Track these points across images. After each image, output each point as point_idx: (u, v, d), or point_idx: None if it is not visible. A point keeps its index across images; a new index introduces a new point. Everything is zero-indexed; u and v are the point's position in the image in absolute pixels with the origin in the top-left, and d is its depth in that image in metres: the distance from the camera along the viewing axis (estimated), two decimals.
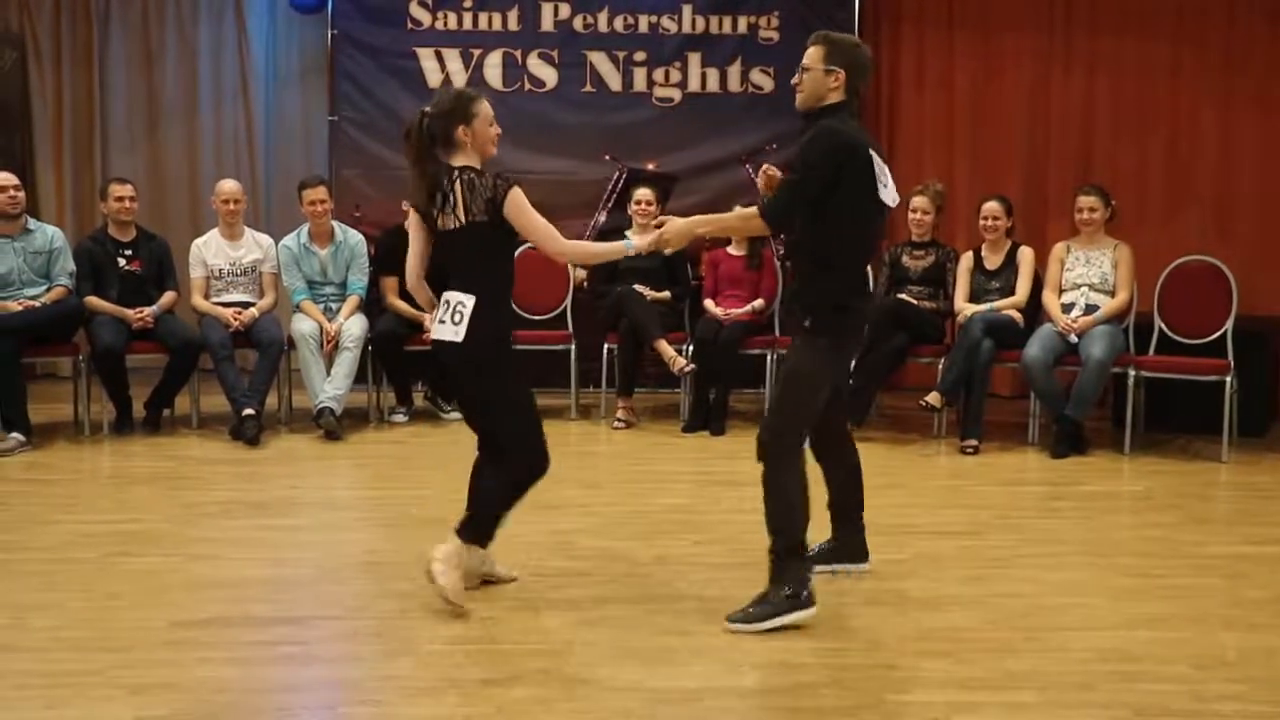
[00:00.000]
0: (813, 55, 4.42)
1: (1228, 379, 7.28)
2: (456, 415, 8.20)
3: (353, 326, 7.82)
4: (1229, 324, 7.54)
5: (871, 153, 4.32)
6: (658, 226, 4.53)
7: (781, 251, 8.64)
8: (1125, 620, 4.39)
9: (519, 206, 4.34)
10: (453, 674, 3.83)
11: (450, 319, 4.36)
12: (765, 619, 4.22)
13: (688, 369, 7.83)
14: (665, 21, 9.26)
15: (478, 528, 4.47)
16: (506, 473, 4.47)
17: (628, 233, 4.53)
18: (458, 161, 4.39)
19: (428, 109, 4.43)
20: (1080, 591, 4.74)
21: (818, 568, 4.53)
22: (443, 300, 4.42)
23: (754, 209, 4.43)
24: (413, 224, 4.53)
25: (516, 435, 4.44)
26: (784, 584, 4.26)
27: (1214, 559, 5.25)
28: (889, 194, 4.41)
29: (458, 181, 4.32)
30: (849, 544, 4.90)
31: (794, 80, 4.48)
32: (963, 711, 3.60)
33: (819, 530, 4.63)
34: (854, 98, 4.44)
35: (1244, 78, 8.87)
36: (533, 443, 4.45)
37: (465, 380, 4.47)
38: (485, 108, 4.47)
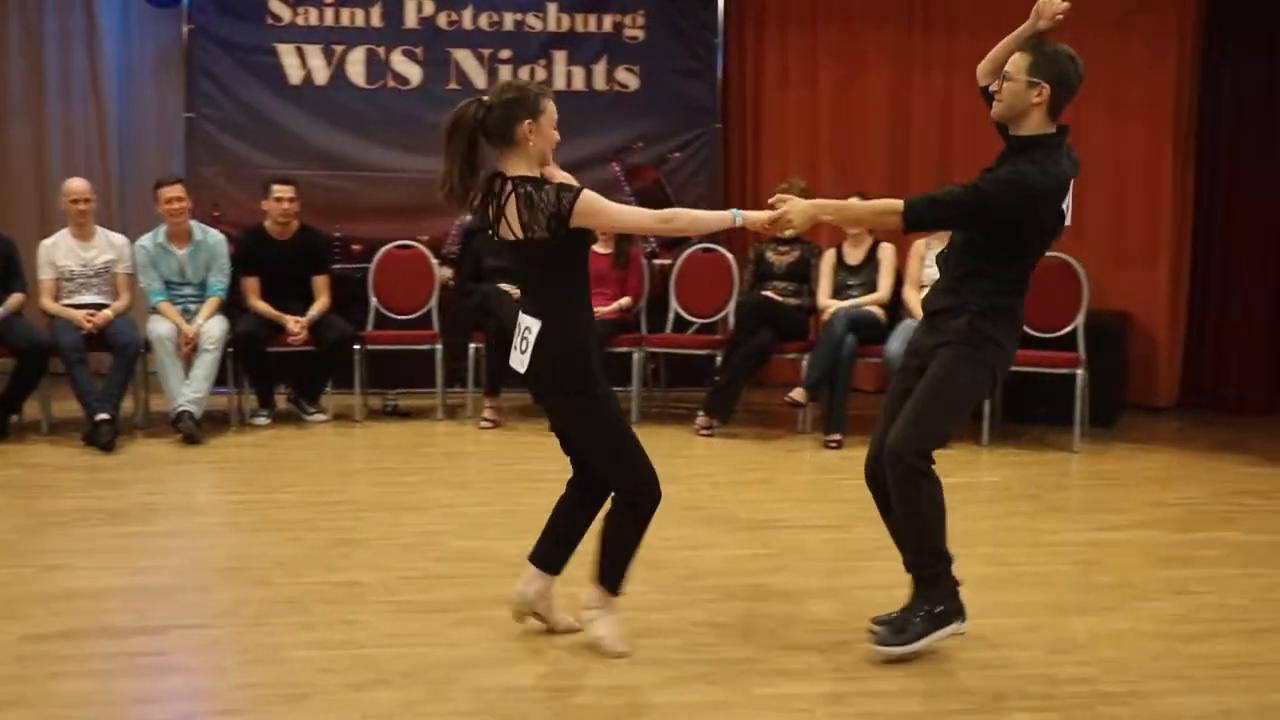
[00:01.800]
0: (1016, 63, 4.00)
1: (1079, 372, 7.50)
2: (321, 417, 8.11)
3: (212, 328, 7.67)
4: (1080, 319, 7.76)
5: (1065, 201, 3.99)
6: (773, 206, 4.06)
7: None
8: (984, 608, 4.48)
9: (592, 211, 3.78)
10: (316, 680, 3.77)
11: (519, 347, 3.91)
12: (916, 639, 3.95)
13: None
14: (530, 19, 9.24)
15: (614, 575, 4.01)
16: (620, 511, 3.98)
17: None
18: (512, 167, 3.87)
19: (485, 98, 3.90)
20: None
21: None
22: (521, 327, 3.93)
23: (896, 204, 3.97)
24: None
25: (613, 464, 3.97)
26: (930, 601, 3.99)
27: (1067, 546, 5.40)
28: (1065, 221, 4.09)
29: (513, 196, 3.81)
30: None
31: (993, 87, 4.12)
32: (829, 703, 3.65)
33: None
34: (1058, 116, 4.03)
35: (1093, 83, 9.05)
36: (634, 469, 3.94)
37: (547, 408, 4.04)
38: (553, 107, 3.93)
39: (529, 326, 3.88)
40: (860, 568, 5.02)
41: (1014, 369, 7.52)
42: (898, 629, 3.97)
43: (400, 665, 3.89)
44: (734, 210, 4.07)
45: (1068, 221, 4.10)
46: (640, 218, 4.09)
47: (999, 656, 4.05)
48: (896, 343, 7.48)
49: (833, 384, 7.59)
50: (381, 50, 9.15)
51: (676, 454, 7.35)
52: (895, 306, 7.91)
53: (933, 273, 7.74)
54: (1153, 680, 3.86)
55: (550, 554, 4.18)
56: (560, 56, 9.30)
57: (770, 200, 4.11)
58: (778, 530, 5.60)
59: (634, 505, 3.96)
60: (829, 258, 8.04)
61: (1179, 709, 3.64)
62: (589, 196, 3.78)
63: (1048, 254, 7.98)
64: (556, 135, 3.93)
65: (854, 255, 8.00)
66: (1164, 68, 8.82)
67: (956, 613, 4.03)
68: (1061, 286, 7.86)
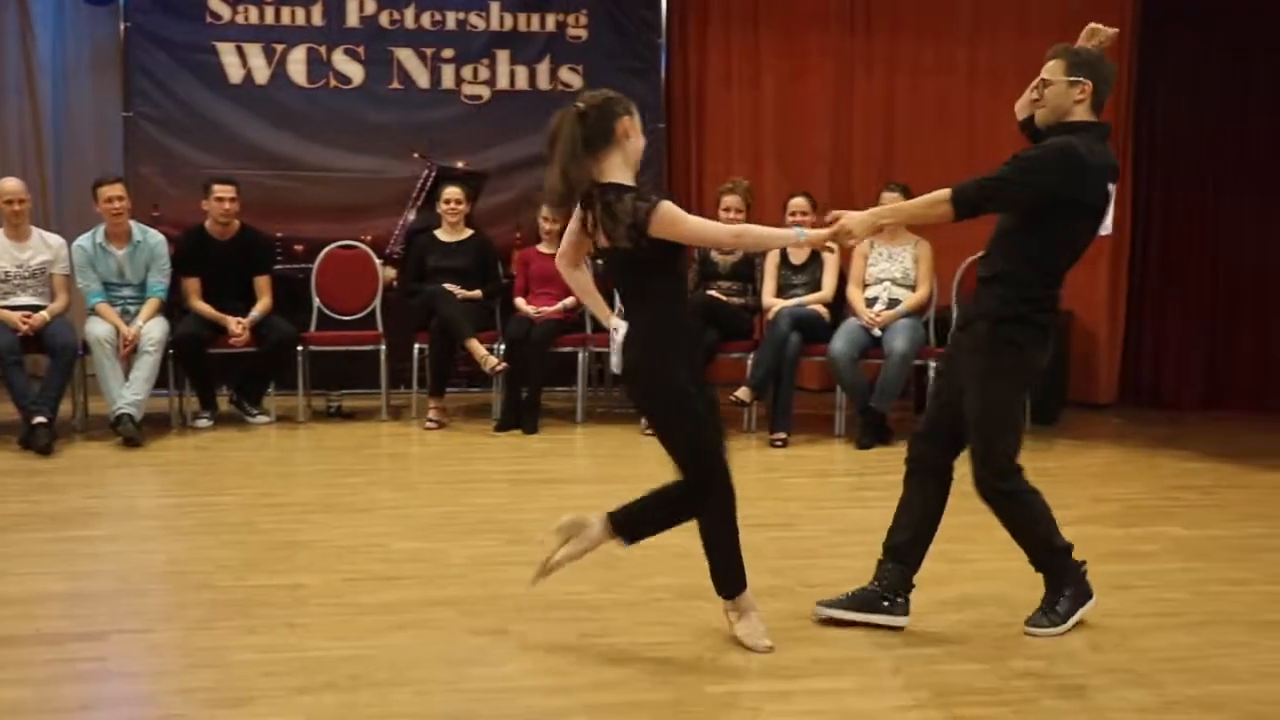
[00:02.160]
0: (1053, 68, 4.14)
1: None
2: (264, 418, 8.03)
3: (152, 330, 7.57)
4: None
5: (1109, 186, 4.12)
6: (830, 222, 4.14)
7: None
8: (932, 604, 4.50)
9: (669, 222, 3.82)
10: (260, 683, 3.72)
11: (615, 349, 4.12)
12: (1064, 620, 4.24)
13: (500, 368, 7.79)
14: (473, 18, 9.18)
15: (725, 579, 4.15)
16: (679, 490, 4.03)
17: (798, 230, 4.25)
18: (608, 172, 3.92)
19: (580, 103, 3.99)
20: None
21: (846, 615, 4.29)
22: (614, 329, 4.15)
23: (943, 193, 4.09)
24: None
25: (690, 463, 4.00)
26: (1066, 586, 4.27)
27: (1012, 542, 5.40)
28: (1105, 225, 4.19)
29: (598, 204, 3.88)
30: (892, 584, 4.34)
31: (1033, 96, 4.25)
32: (777, 700, 3.65)
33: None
34: (1100, 113, 4.17)
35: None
36: (709, 469, 4.04)
37: (638, 408, 4.34)
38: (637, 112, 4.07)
39: (617, 328, 4.08)
40: (806, 565, 5.03)
41: None
42: (1047, 611, 4.25)
43: (345, 668, 3.84)
44: (797, 229, 4.16)
45: (1106, 230, 4.19)
46: (716, 232, 4.13)
47: (947, 652, 4.06)
48: (841, 341, 7.51)
49: (777, 383, 7.61)
50: (323, 49, 9.06)
51: (623, 454, 7.34)
52: (839, 305, 7.94)
53: (876, 270, 7.82)
54: (1097, 674, 3.89)
55: (628, 519, 4.08)
56: (503, 56, 9.25)
57: (826, 218, 4.19)
58: None
59: (710, 505, 4.06)
60: (773, 257, 8.05)
61: (1122, 702, 3.67)
62: (665, 207, 3.81)
63: None
64: (642, 140, 4.02)
65: (798, 254, 8.02)
66: None
67: (1088, 593, 4.30)
68: None
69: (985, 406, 4.13)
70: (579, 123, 3.90)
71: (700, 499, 4.04)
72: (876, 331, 7.57)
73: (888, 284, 7.75)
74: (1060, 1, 8.46)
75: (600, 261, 4.13)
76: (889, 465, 7.01)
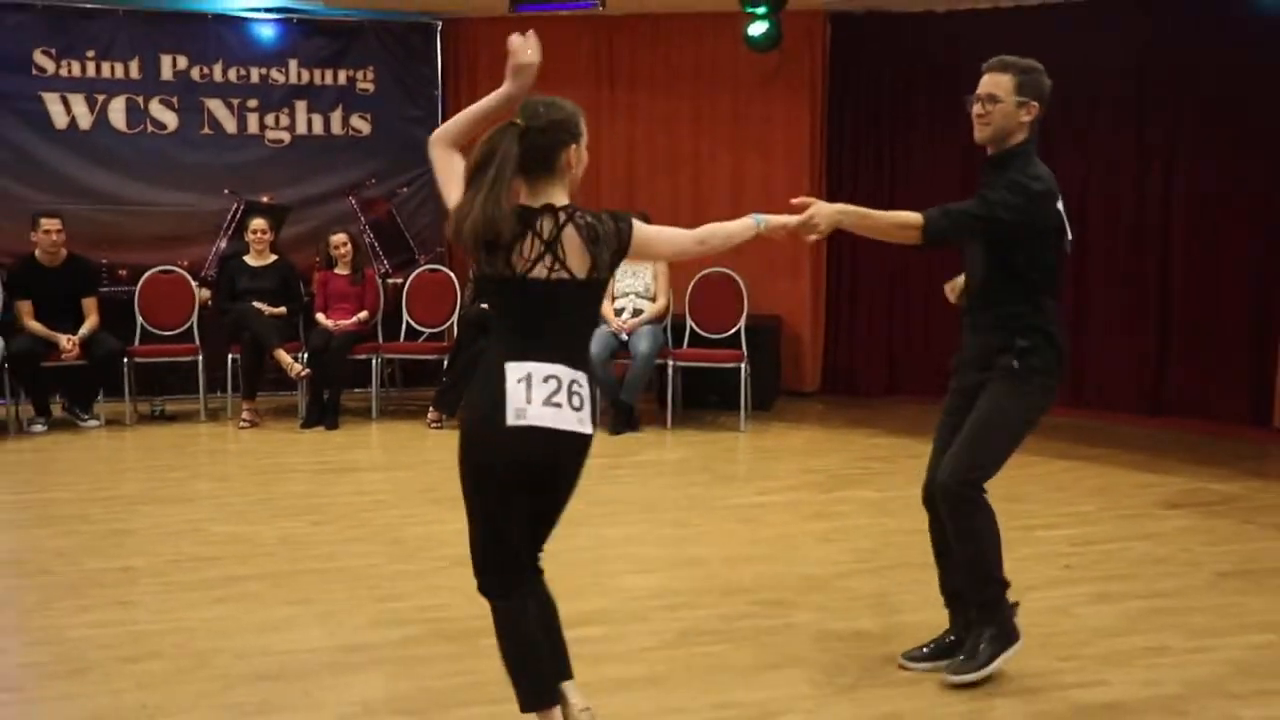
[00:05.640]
0: (1004, 84, 3.38)
1: (742, 365, 7.80)
2: (94, 422, 7.67)
3: None
4: (742, 322, 8.08)
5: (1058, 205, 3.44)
6: (798, 209, 3.36)
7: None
8: (671, 562, 4.64)
9: (646, 240, 2.91)
10: (93, 655, 3.60)
11: (568, 403, 2.76)
12: (984, 665, 3.51)
13: (304, 373, 7.64)
14: (274, 74, 8.94)
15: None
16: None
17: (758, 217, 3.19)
18: (554, 196, 2.79)
19: (519, 120, 2.82)
20: (636, 542, 4.97)
21: (922, 666, 3.64)
22: (543, 377, 2.73)
23: (915, 218, 3.37)
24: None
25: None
26: (991, 625, 3.54)
27: (737, 508, 5.61)
28: (1067, 234, 3.50)
29: (570, 225, 2.74)
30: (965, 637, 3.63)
31: (976, 111, 3.44)
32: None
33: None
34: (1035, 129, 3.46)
35: (747, 127, 9.47)
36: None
37: (568, 476, 3.04)
38: (585, 127, 2.93)
39: (576, 380, 2.78)
40: (568, 533, 5.03)
41: (692, 364, 7.89)
42: (968, 656, 3.55)
43: (171, 639, 3.75)
44: (755, 217, 3.19)
45: (1069, 236, 3.55)
46: (683, 242, 3.07)
47: (683, 601, 4.18)
48: (594, 345, 7.59)
49: None
50: (140, 99, 8.66)
51: (412, 444, 7.29)
52: None
53: (622, 286, 7.94)
54: (804, 612, 4.08)
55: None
56: (301, 105, 9.04)
57: (794, 201, 3.42)
58: None
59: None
60: None
61: (824, 634, 3.87)
62: (640, 224, 2.91)
63: (714, 269, 8.29)
64: (587, 156, 2.91)
65: None
66: (800, 116, 9.21)
67: (1014, 634, 3.57)
68: (727, 295, 8.17)
69: (985, 422, 3.49)
70: (520, 142, 2.79)
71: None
72: (624, 336, 7.71)
73: (632, 296, 7.90)
74: (763, 60, 8.75)
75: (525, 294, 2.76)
76: (636, 448, 7.20)
